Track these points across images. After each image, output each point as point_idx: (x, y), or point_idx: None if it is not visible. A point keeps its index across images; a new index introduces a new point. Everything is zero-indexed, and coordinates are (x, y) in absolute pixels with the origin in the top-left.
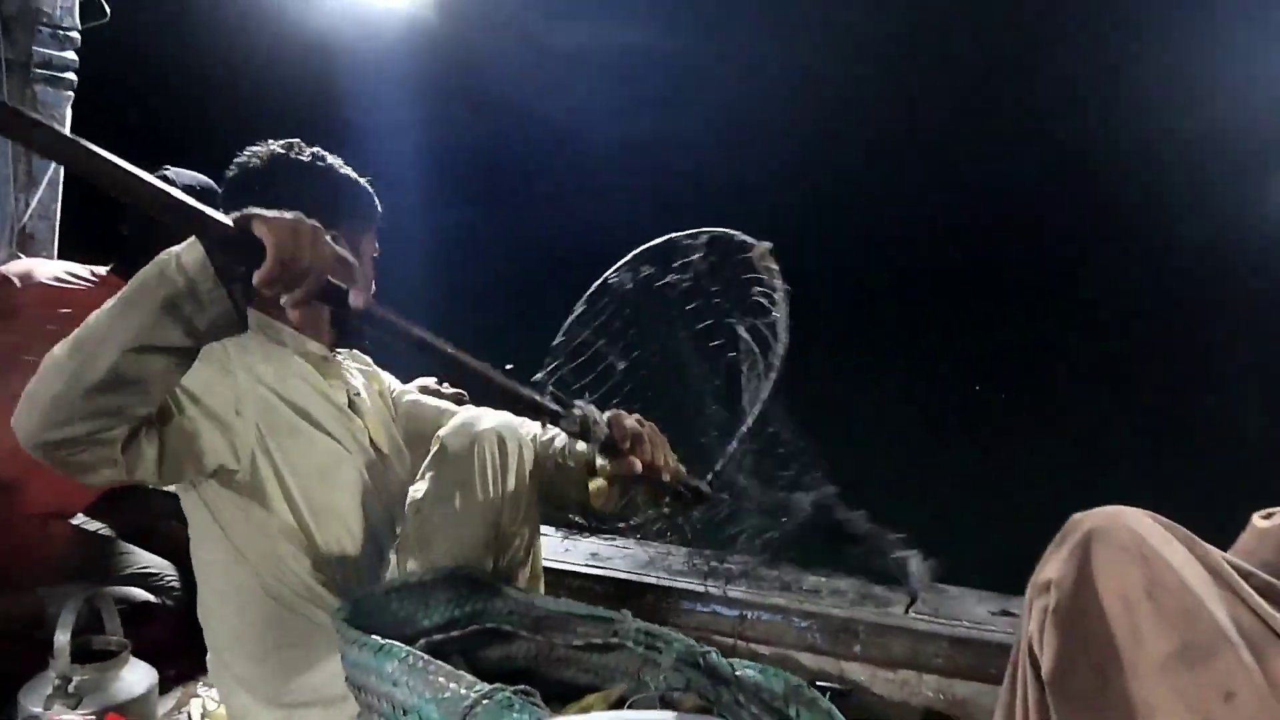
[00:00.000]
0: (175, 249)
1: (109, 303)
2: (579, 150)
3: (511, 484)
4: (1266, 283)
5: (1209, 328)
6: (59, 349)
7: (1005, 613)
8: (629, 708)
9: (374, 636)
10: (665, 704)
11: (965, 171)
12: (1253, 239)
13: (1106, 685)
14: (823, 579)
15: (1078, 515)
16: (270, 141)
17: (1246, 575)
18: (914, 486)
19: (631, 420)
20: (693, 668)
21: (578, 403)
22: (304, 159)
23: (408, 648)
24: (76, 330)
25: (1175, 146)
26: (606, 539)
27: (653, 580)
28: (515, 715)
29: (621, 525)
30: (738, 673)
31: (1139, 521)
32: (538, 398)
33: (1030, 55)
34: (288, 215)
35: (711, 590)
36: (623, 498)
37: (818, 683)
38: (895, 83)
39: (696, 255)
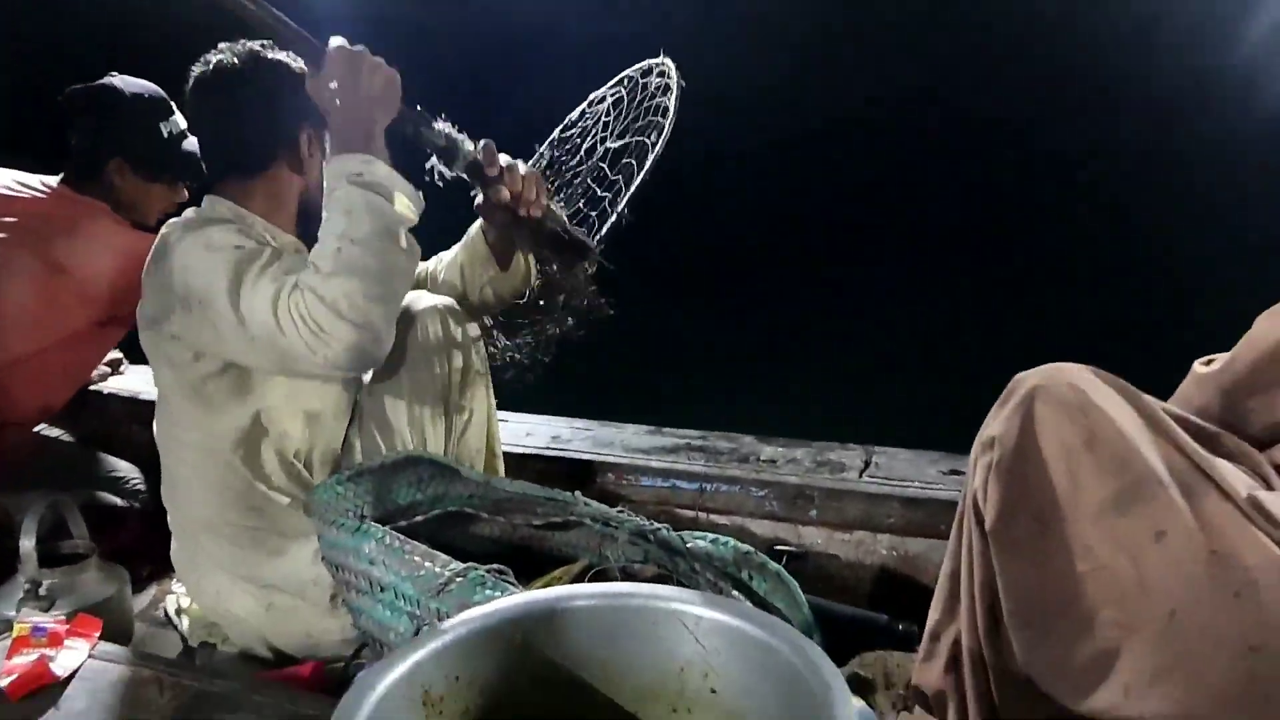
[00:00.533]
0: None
1: (372, 214)
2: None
3: (458, 360)
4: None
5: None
6: (371, 277)
7: (955, 472)
8: (592, 580)
9: (349, 517)
10: (626, 576)
11: None
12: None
13: (1045, 533)
14: (780, 449)
15: (1021, 374)
16: (244, 40)
17: (1182, 421)
18: (873, 348)
19: (506, 156)
20: (648, 542)
21: (442, 124)
22: (281, 58)
23: (384, 528)
24: (371, 250)
25: None
26: (566, 421)
27: (613, 459)
28: (488, 592)
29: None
30: (688, 544)
31: (1080, 376)
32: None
33: None
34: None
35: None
36: (505, 253)
37: (776, 547)
38: None
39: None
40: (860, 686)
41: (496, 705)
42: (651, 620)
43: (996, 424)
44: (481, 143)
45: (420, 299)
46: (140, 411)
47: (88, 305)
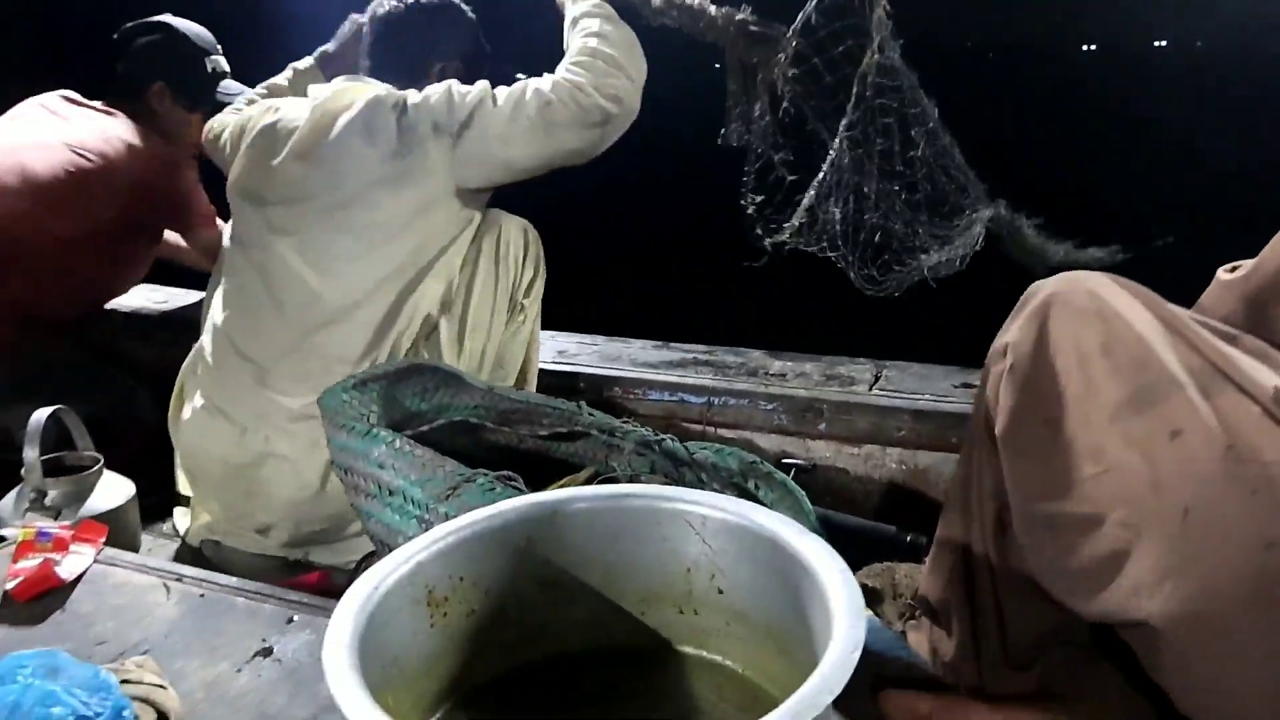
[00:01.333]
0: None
1: (606, 22)
2: None
3: (529, 271)
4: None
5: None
6: (619, 46)
7: (967, 385)
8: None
9: (360, 420)
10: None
11: None
12: None
13: (1057, 436)
14: (789, 363)
15: (1037, 282)
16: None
17: (1204, 325)
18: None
19: None
20: (653, 452)
21: None
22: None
23: (395, 433)
24: (613, 35)
25: None
26: (573, 336)
27: (619, 373)
28: (496, 495)
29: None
30: (694, 455)
31: (1099, 283)
32: None
33: None
34: None
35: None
36: None
37: (784, 460)
38: None
39: None
40: (867, 597)
41: (501, 607)
42: (655, 520)
43: (1011, 331)
44: None
45: (505, 216)
46: (142, 327)
47: (115, 197)
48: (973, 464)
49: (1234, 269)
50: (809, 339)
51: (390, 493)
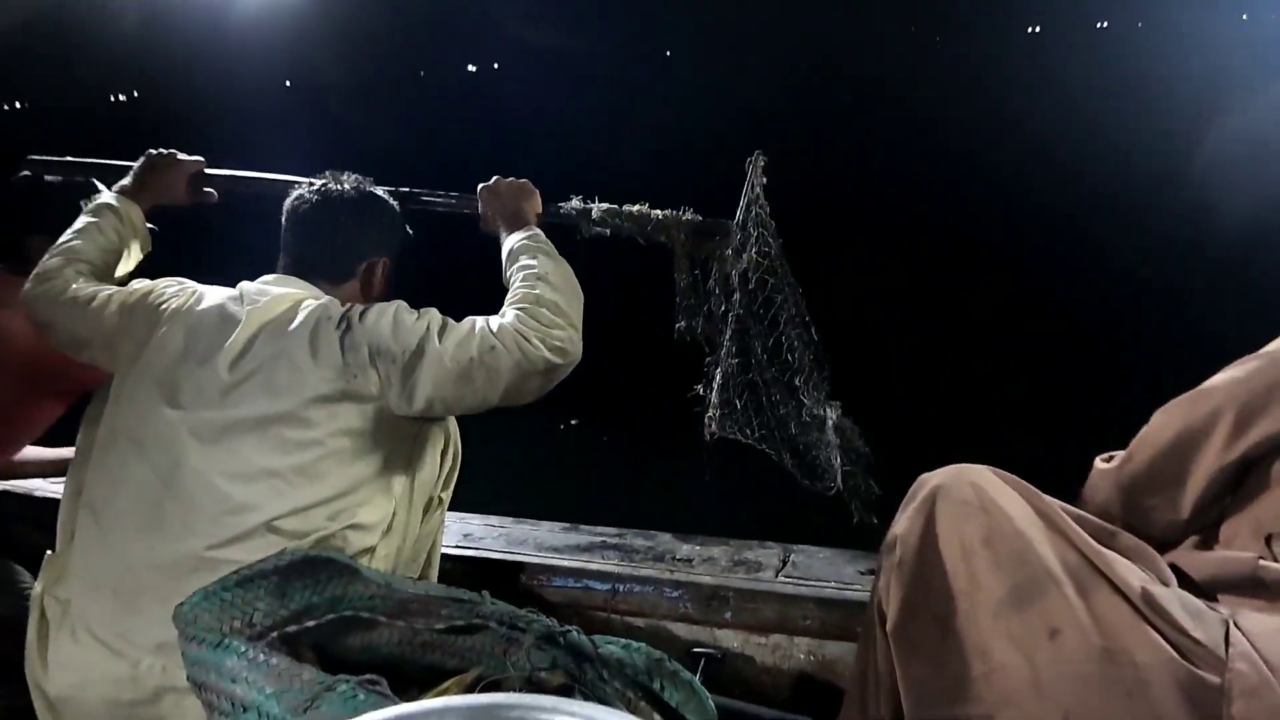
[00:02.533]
0: (532, 234)
1: (546, 259)
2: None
3: (450, 455)
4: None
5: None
6: (561, 291)
7: (871, 571)
8: (484, 689)
9: (212, 631)
10: (531, 684)
11: None
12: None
13: (945, 633)
14: (697, 547)
15: (925, 475)
16: (349, 172)
17: (1080, 520)
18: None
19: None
20: (556, 646)
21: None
22: (380, 193)
23: (247, 643)
24: (553, 276)
25: None
26: (475, 518)
27: (525, 558)
28: (360, 704)
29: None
30: (600, 649)
31: (981, 476)
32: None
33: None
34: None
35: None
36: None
37: (695, 649)
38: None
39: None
40: None
41: None
42: None
43: (900, 523)
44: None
45: None
46: (35, 511)
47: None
48: (868, 660)
49: (1109, 459)
50: (719, 521)
51: (244, 709)
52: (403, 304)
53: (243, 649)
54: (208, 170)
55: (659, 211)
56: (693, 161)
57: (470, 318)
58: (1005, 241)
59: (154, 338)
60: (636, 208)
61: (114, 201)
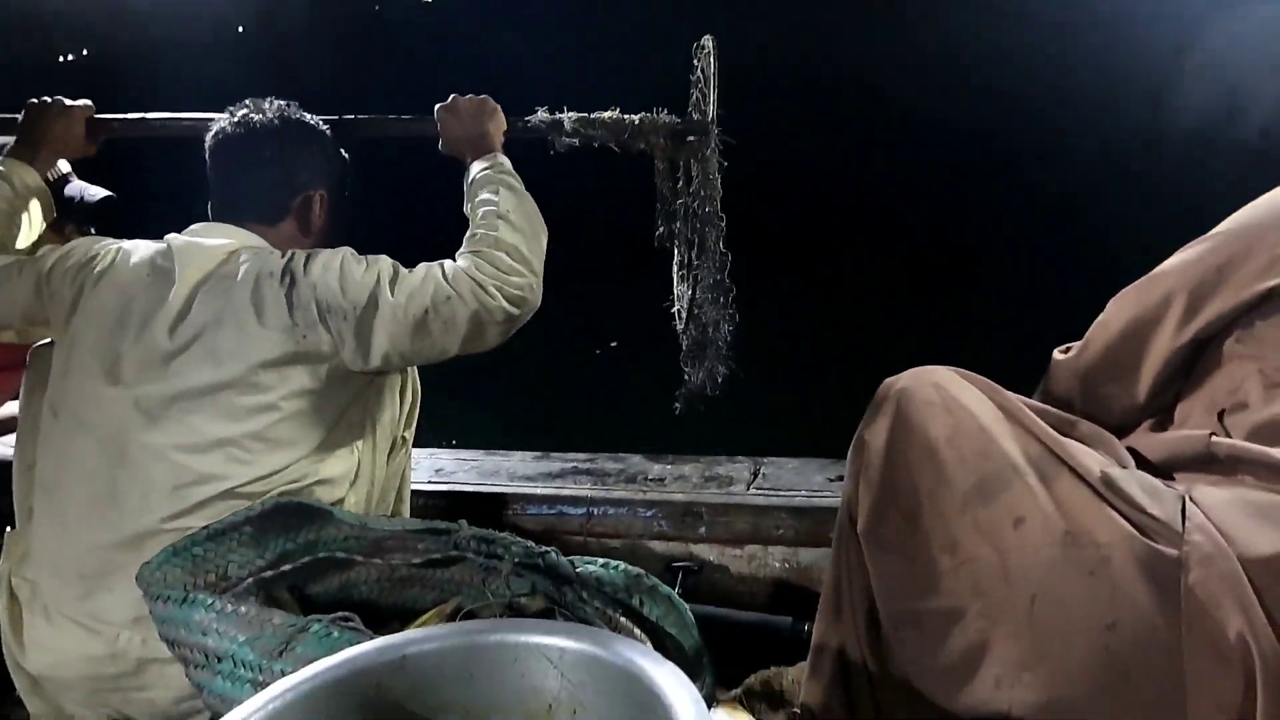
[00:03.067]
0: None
1: (508, 194)
2: None
3: (410, 395)
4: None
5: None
6: (521, 231)
7: (841, 478)
8: (463, 619)
9: (176, 587)
10: (512, 611)
11: None
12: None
13: (914, 530)
14: (668, 466)
15: (890, 379)
16: (271, 98)
17: (1041, 412)
18: (767, 355)
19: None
20: (534, 570)
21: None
22: (305, 118)
23: (213, 595)
24: (514, 215)
25: None
26: (446, 452)
27: (498, 489)
28: (335, 642)
29: None
30: (578, 569)
31: (944, 377)
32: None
33: None
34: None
35: None
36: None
37: (673, 564)
38: None
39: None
40: (754, 704)
41: None
42: (512, 657)
43: (867, 428)
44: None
45: None
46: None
47: None
48: (841, 563)
49: (1067, 350)
50: (690, 440)
51: (219, 659)
52: (349, 252)
53: (209, 601)
54: (100, 115)
55: (633, 116)
56: (650, 69)
57: (423, 265)
58: (962, 130)
59: (82, 306)
60: (609, 114)
61: None
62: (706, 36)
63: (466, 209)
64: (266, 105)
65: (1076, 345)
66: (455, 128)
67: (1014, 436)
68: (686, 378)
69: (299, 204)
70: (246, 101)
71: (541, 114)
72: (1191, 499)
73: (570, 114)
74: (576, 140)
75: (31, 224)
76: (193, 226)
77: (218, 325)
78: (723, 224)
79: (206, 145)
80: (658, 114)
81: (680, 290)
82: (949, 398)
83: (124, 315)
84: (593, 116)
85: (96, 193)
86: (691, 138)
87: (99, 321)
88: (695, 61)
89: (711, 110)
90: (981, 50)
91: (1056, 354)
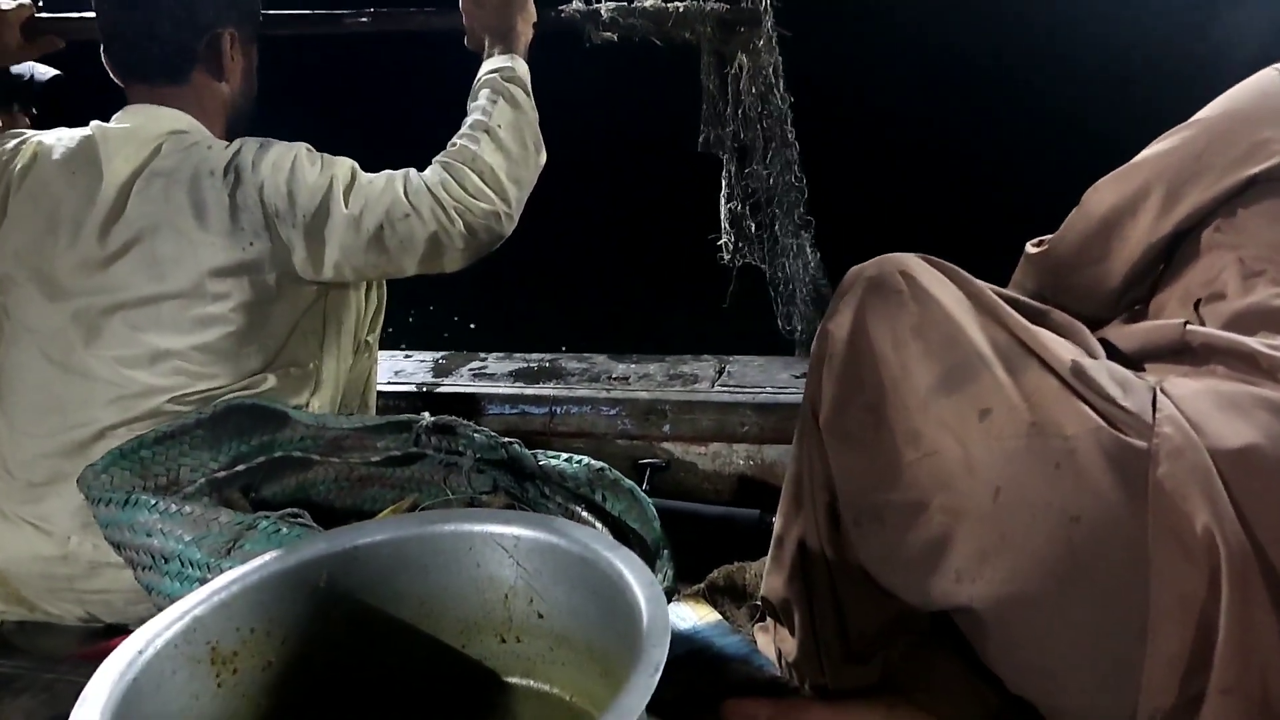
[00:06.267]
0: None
1: (506, 106)
2: None
3: (374, 299)
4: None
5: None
6: (505, 151)
7: (805, 375)
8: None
9: (118, 490)
10: (474, 507)
11: None
12: None
13: (878, 423)
14: (633, 366)
15: (856, 266)
16: None
17: (1011, 301)
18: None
19: None
20: (496, 465)
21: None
22: None
23: (157, 495)
24: (504, 131)
25: None
26: (406, 354)
27: (460, 389)
28: (283, 538)
29: None
30: (541, 463)
31: (912, 264)
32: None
33: None
34: None
35: None
36: None
37: (641, 461)
38: None
39: None
40: (717, 597)
41: (305, 655)
42: (467, 546)
43: (831, 317)
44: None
45: None
46: None
47: None
48: (803, 457)
49: (1040, 243)
50: (657, 341)
51: (165, 560)
52: (303, 149)
53: (153, 502)
54: (41, 15)
55: (677, 3)
56: None
57: (386, 172)
58: (936, 29)
59: (7, 207)
60: (651, 2)
61: None
62: None
63: (472, 95)
64: None
65: (1050, 238)
66: (481, 19)
67: (982, 326)
68: (784, 320)
69: (205, 47)
70: None
71: (577, 3)
72: (1163, 390)
73: (608, 2)
74: (614, 33)
75: None
76: (118, 113)
77: (155, 231)
78: (788, 124)
79: None
80: (704, 1)
81: (731, 207)
82: (916, 287)
83: (52, 218)
84: (632, 5)
85: (45, 73)
86: (742, 27)
87: (27, 226)
88: None
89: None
90: None
91: (1029, 247)
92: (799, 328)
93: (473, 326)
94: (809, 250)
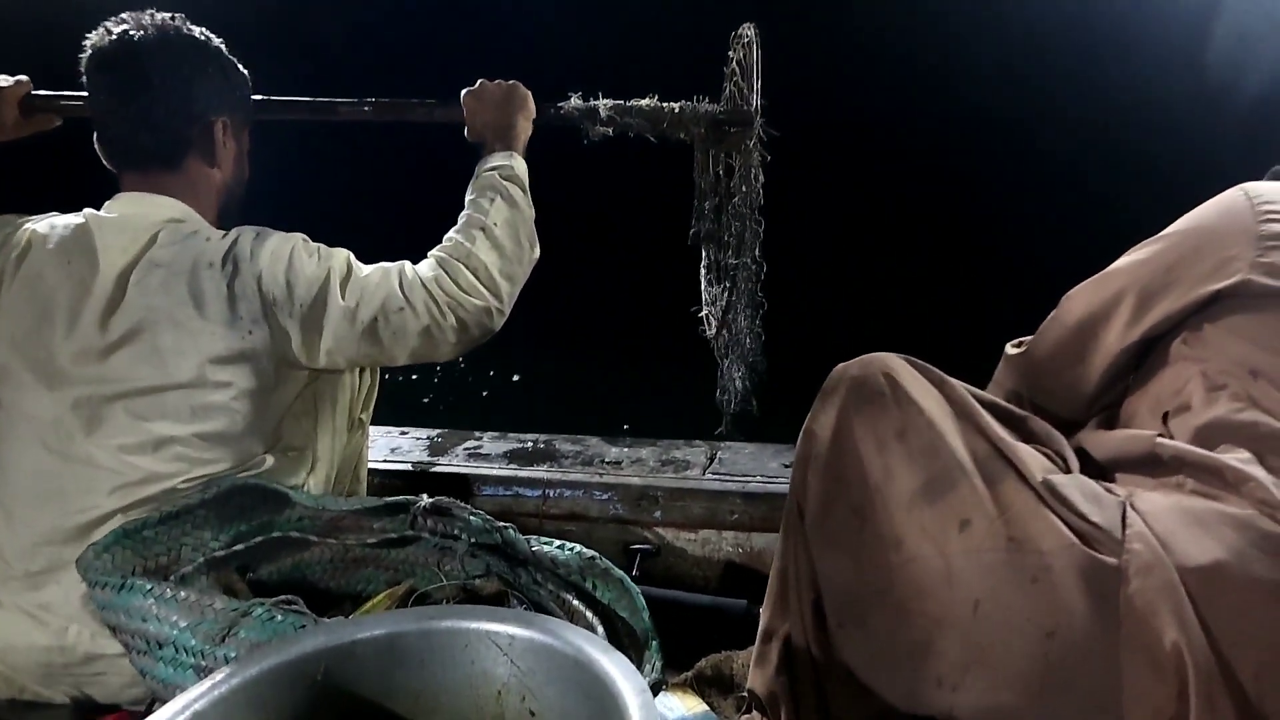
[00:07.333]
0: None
1: (503, 205)
2: None
3: (368, 376)
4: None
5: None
6: (500, 249)
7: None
8: (416, 601)
9: (113, 574)
10: (466, 593)
11: None
12: None
13: (862, 525)
14: (625, 450)
15: (841, 365)
16: (151, 11)
17: (991, 407)
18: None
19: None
20: (490, 551)
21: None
22: (194, 31)
23: (153, 580)
24: (500, 229)
25: None
26: (402, 431)
27: (454, 469)
28: (278, 625)
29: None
30: (534, 549)
31: (895, 366)
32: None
33: None
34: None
35: None
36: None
37: (631, 546)
38: None
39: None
40: (704, 687)
41: None
42: (463, 643)
43: (816, 418)
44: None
45: None
46: None
47: None
48: (788, 554)
49: (1019, 344)
50: (648, 425)
51: (160, 645)
52: (300, 240)
53: (148, 587)
54: (38, 93)
55: (673, 104)
56: (681, 58)
57: (380, 266)
58: (921, 129)
59: (1, 296)
60: (647, 101)
61: None
62: (747, 25)
63: (470, 191)
64: (147, 19)
65: (1029, 340)
66: (481, 114)
67: (962, 434)
68: (721, 392)
69: (199, 135)
70: (124, 16)
71: (575, 100)
72: (1133, 505)
73: (606, 100)
74: (610, 130)
75: None
76: (111, 200)
77: (155, 323)
78: (760, 226)
79: (83, 67)
80: (698, 102)
81: (711, 293)
82: (899, 390)
83: (48, 307)
84: (629, 104)
85: None
86: (734, 128)
87: (23, 314)
88: (731, 53)
89: (755, 100)
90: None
91: (1009, 348)
92: (731, 399)
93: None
94: (751, 326)
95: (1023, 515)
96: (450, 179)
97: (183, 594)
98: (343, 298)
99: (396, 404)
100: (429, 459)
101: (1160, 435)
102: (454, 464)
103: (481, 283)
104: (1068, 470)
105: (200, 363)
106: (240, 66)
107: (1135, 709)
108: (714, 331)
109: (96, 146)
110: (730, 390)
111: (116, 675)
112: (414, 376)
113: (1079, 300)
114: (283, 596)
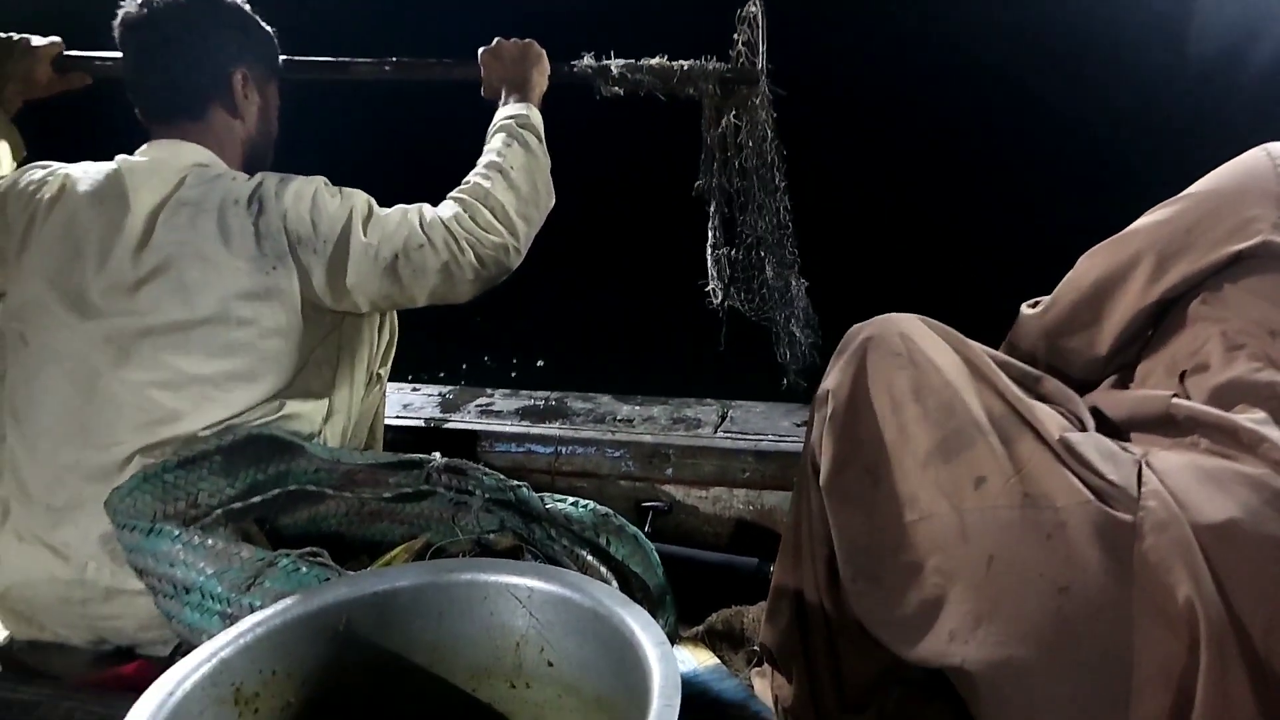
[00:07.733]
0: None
1: (519, 150)
2: None
3: (387, 332)
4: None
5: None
6: (516, 190)
7: (806, 423)
8: (433, 555)
9: (144, 517)
10: (481, 547)
11: None
12: None
13: (876, 484)
14: (637, 408)
15: (855, 326)
16: None
17: (1006, 366)
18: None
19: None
20: (504, 506)
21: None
22: None
23: (181, 526)
24: (516, 172)
25: None
26: (414, 387)
27: (467, 425)
28: (303, 577)
29: None
30: (548, 506)
31: (910, 326)
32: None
33: None
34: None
35: None
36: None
37: (643, 504)
38: None
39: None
40: (716, 642)
41: (322, 697)
42: (482, 596)
43: (831, 377)
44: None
45: None
46: None
47: None
48: (802, 511)
49: (1035, 304)
50: (660, 383)
51: (187, 590)
52: (323, 182)
53: (176, 533)
54: (70, 53)
55: (682, 62)
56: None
57: (400, 206)
58: (938, 87)
59: (35, 235)
60: (657, 60)
61: None
62: (752, 2)
63: (487, 141)
64: None
65: (1045, 300)
66: (498, 71)
67: (978, 393)
68: (781, 354)
69: (221, 88)
70: None
71: (587, 59)
72: (1148, 464)
73: (617, 60)
74: (621, 88)
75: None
76: (142, 147)
77: (182, 257)
78: (777, 178)
79: (115, 33)
80: (706, 61)
81: (718, 255)
82: (915, 349)
83: (80, 245)
84: (640, 62)
85: None
86: (742, 86)
87: (56, 251)
88: (736, 35)
89: (761, 61)
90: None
91: (1024, 309)
92: (796, 355)
93: (486, 360)
94: (794, 284)
95: (1039, 472)
96: (466, 143)
97: (210, 541)
98: (365, 235)
99: (409, 357)
100: (441, 415)
101: (1176, 395)
102: (466, 420)
103: (499, 221)
104: (1084, 429)
105: (223, 297)
106: (263, 24)
107: (1146, 661)
108: (719, 300)
109: (129, 97)
110: (793, 349)
111: (133, 616)
112: (428, 328)
113: (1096, 260)
114: (308, 549)
